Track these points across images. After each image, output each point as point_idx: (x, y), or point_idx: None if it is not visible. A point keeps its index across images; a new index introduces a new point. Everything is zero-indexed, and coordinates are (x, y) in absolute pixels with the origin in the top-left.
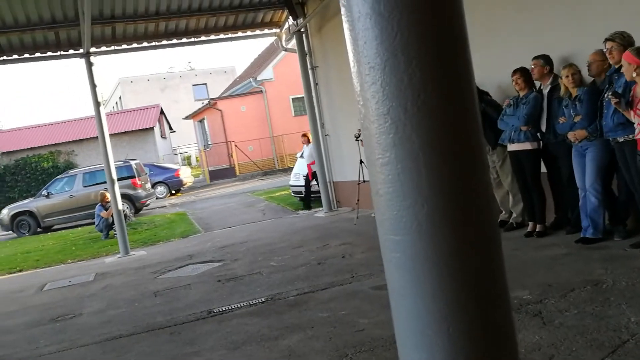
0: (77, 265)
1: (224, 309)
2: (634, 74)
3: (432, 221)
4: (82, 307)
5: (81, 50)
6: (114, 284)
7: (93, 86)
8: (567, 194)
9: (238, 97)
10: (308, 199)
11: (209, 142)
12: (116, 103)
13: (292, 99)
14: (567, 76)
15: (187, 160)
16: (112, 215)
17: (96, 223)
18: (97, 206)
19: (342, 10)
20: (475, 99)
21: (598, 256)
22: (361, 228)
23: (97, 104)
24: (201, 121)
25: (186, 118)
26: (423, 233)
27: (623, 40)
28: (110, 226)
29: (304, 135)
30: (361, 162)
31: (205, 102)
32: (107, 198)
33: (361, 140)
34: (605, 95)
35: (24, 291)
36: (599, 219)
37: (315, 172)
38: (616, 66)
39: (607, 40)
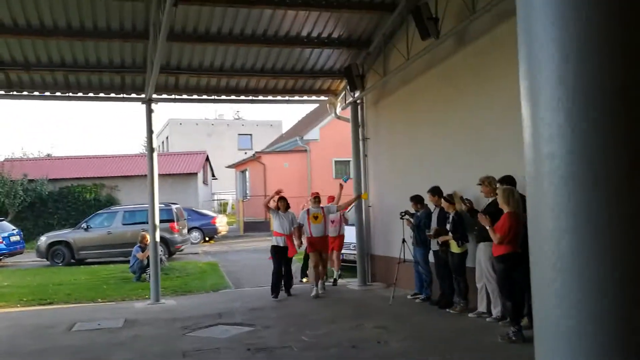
0: (107, 307)
1: None
2: None
3: None
4: (109, 356)
5: (143, 96)
6: (143, 335)
7: (150, 132)
8: None
9: (282, 154)
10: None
11: (248, 194)
12: (162, 142)
13: (335, 161)
14: None
15: (223, 207)
16: (147, 258)
17: (131, 263)
18: (135, 247)
19: None
20: None
21: None
22: (397, 310)
23: (151, 150)
24: (243, 172)
25: (229, 167)
26: None
27: None
28: (144, 269)
29: (282, 198)
30: (404, 241)
31: (248, 152)
32: (147, 240)
33: (406, 219)
34: None
35: (53, 328)
36: None
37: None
38: None
39: None
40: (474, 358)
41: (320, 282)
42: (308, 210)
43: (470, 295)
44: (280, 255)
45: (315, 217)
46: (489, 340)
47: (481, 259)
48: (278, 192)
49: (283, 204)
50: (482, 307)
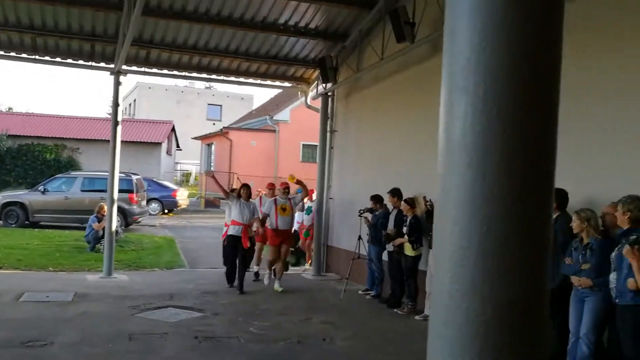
0: (58, 276)
1: None
2: None
3: None
4: (55, 333)
5: (112, 66)
6: (92, 312)
7: (116, 104)
8: (552, 336)
9: (250, 132)
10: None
11: (212, 168)
12: (130, 105)
13: (303, 144)
14: (583, 223)
15: (186, 177)
16: (103, 229)
17: (86, 233)
18: (91, 217)
19: None
20: None
21: None
22: (346, 305)
23: (115, 123)
24: (209, 145)
25: (195, 138)
26: None
27: (623, 207)
28: (98, 239)
29: (246, 185)
30: (360, 237)
31: (217, 123)
32: (104, 211)
33: (365, 216)
34: (616, 252)
35: (1, 296)
36: None
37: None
38: (623, 227)
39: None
40: None
41: (277, 277)
42: (276, 200)
43: (418, 297)
44: (236, 246)
45: (284, 209)
46: None
47: (432, 266)
48: (210, 175)
49: (246, 191)
50: (428, 310)
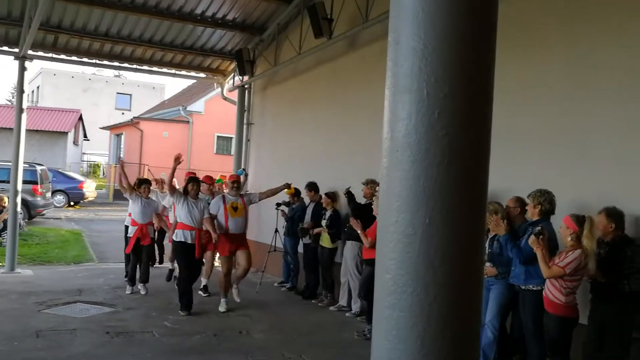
0: None
1: None
2: (569, 238)
3: None
4: None
5: (17, 51)
6: None
7: (21, 91)
8: None
9: (163, 122)
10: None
11: (122, 159)
12: (32, 91)
13: (217, 136)
14: (491, 215)
15: (94, 169)
16: (2, 222)
17: None
18: None
19: None
20: None
21: None
22: (263, 298)
23: (20, 111)
24: (119, 135)
25: (104, 128)
26: None
27: (534, 200)
28: None
29: (195, 179)
30: (276, 230)
31: (126, 113)
32: (4, 202)
33: (281, 210)
34: (524, 240)
35: None
36: (490, 353)
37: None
38: (533, 219)
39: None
40: (329, 354)
41: (234, 289)
42: (224, 197)
43: (334, 289)
44: (189, 256)
45: (235, 208)
46: (345, 336)
47: (347, 257)
48: (178, 159)
49: (194, 187)
50: (343, 301)
